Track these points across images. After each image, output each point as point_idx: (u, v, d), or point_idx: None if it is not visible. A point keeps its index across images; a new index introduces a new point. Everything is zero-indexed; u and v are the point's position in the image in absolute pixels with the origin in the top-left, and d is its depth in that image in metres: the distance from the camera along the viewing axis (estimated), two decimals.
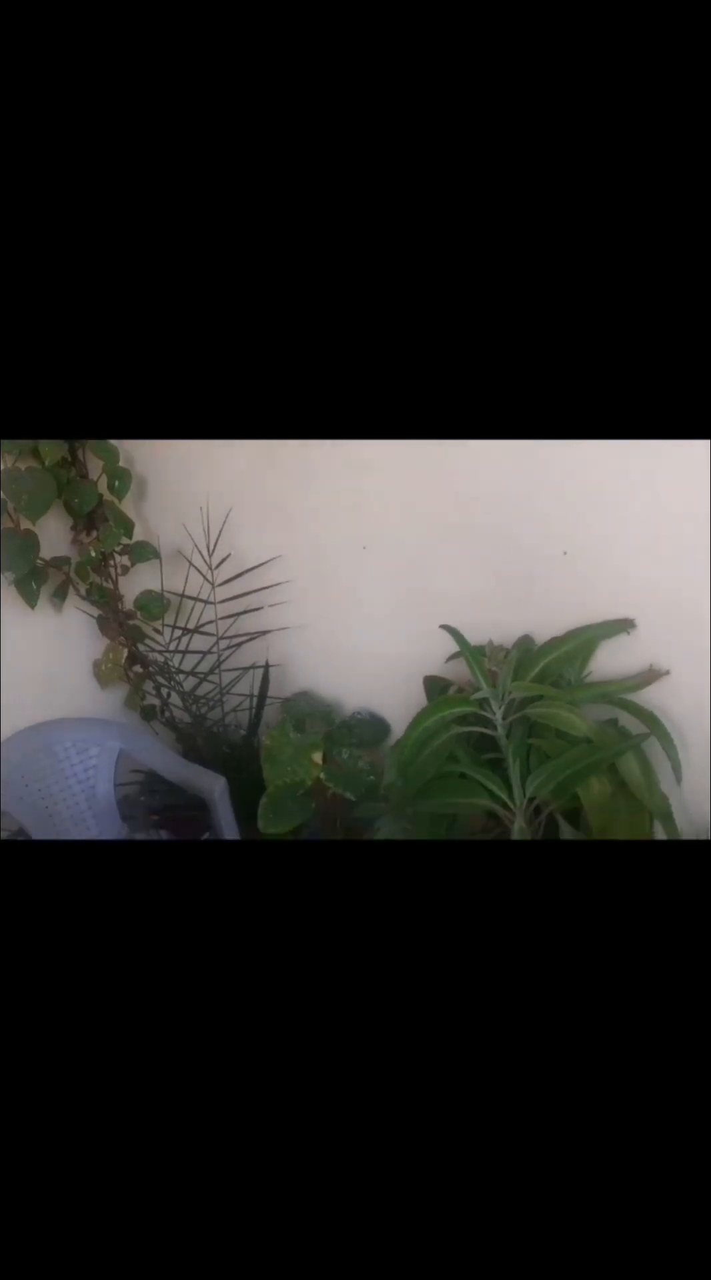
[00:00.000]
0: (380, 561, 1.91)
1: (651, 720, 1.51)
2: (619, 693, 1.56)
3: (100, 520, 1.99)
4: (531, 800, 1.51)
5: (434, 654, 1.82)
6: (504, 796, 1.51)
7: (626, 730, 1.55)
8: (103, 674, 2.11)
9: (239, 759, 2.11)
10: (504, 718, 1.55)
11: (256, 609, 2.09)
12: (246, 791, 1.92)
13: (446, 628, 1.67)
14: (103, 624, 2.11)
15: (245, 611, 2.08)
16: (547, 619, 1.66)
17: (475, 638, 1.67)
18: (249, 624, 2.10)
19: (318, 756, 1.79)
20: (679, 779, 1.49)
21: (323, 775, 1.77)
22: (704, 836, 1.49)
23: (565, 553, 1.64)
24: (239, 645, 2.11)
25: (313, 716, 1.98)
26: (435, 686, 1.76)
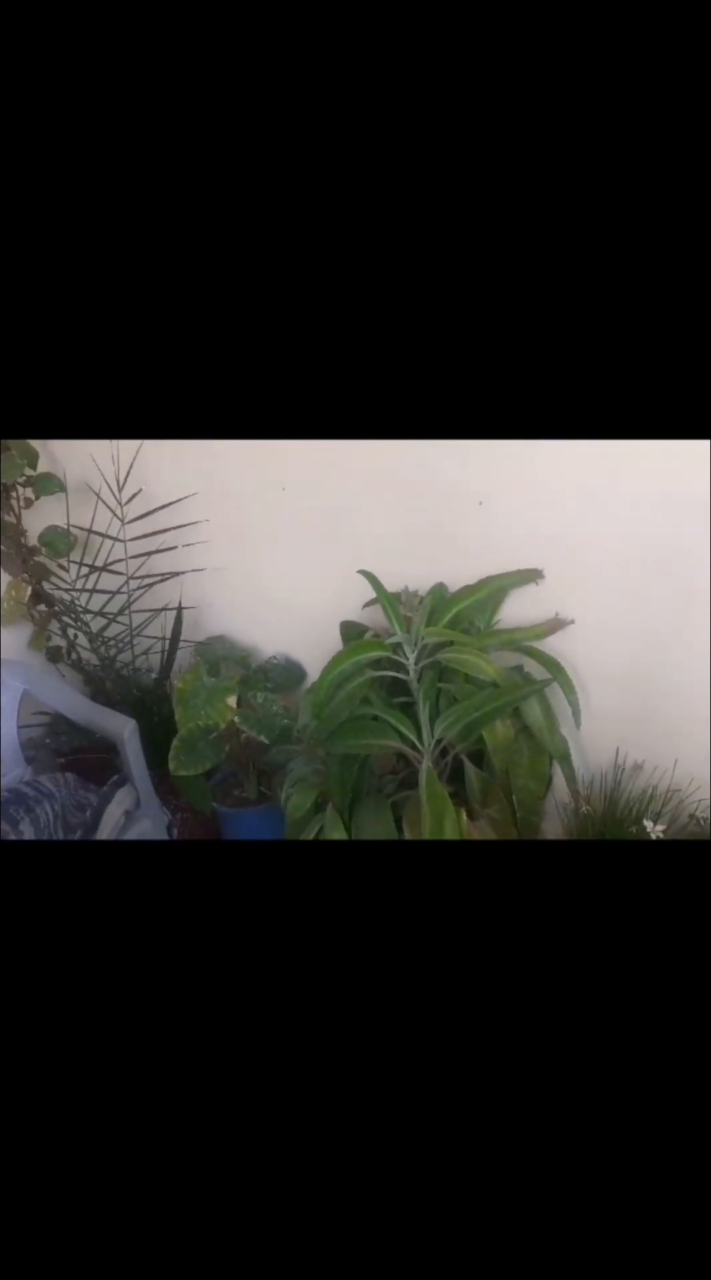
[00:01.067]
0: (299, 504, 1.88)
1: (554, 667, 1.58)
2: (525, 640, 1.62)
3: (2, 450, 1.86)
4: (439, 742, 1.56)
5: (351, 600, 1.82)
6: (413, 738, 1.55)
7: (531, 676, 1.61)
8: (5, 612, 2.00)
9: (149, 703, 2.07)
10: (416, 663, 1.59)
11: (169, 549, 2.02)
12: (157, 734, 1.89)
13: (364, 573, 1.68)
14: (4, 560, 1.99)
15: (157, 551, 2.01)
16: (461, 568, 1.69)
17: (391, 585, 1.69)
18: (161, 564, 2.04)
19: (232, 700, 1.77)
20: (578, 723, 1.58)
21: (237, 718, 1.76)
22: (599, 778, 1.59)
23: (480, 503, 1.67)
24: (150, 586, 2.05)
25: (228, 660, 1.96)
26: (351, 632, 1.77)
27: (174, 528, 2.00)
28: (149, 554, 2.01)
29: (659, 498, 1.43)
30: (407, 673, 1.59)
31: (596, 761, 1.61)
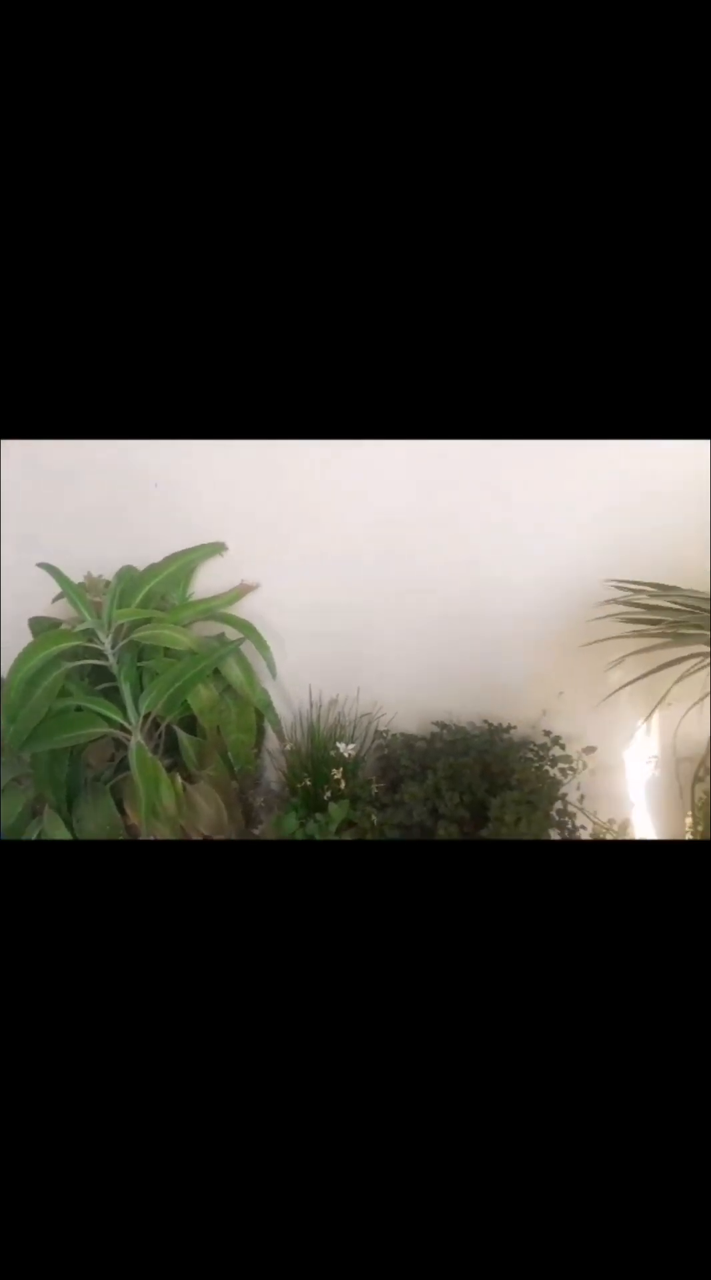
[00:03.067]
0: None
1: (247, 628, 1.72)
2: (218, 608, 1.73)
3: None
4: (147, 716, 1.61)
5: (38, 596, 1.78)
6: (120, 720, 1.59)
7: (229, 640, 1.73)
8: None
9: None
10: (113, 646, 1.62)
11: None
12: None
13: (44, 566, 1.65)
14: None
15: None
16: (146, 549, 1.74)
17: (76, 574, 1.69)
18: None
19: None
20: (273, 674, 1.74)
21: None
22: (300, 718, 1.77)
23: (156, 485, 1.73)
24: None
25: None
26: (41, 627, 1.74)
27: None
28: None
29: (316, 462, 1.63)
30: (106, 657, 1.62)
31: (298, 701, 1.79)
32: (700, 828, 1.46)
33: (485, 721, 1.73)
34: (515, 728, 1.70)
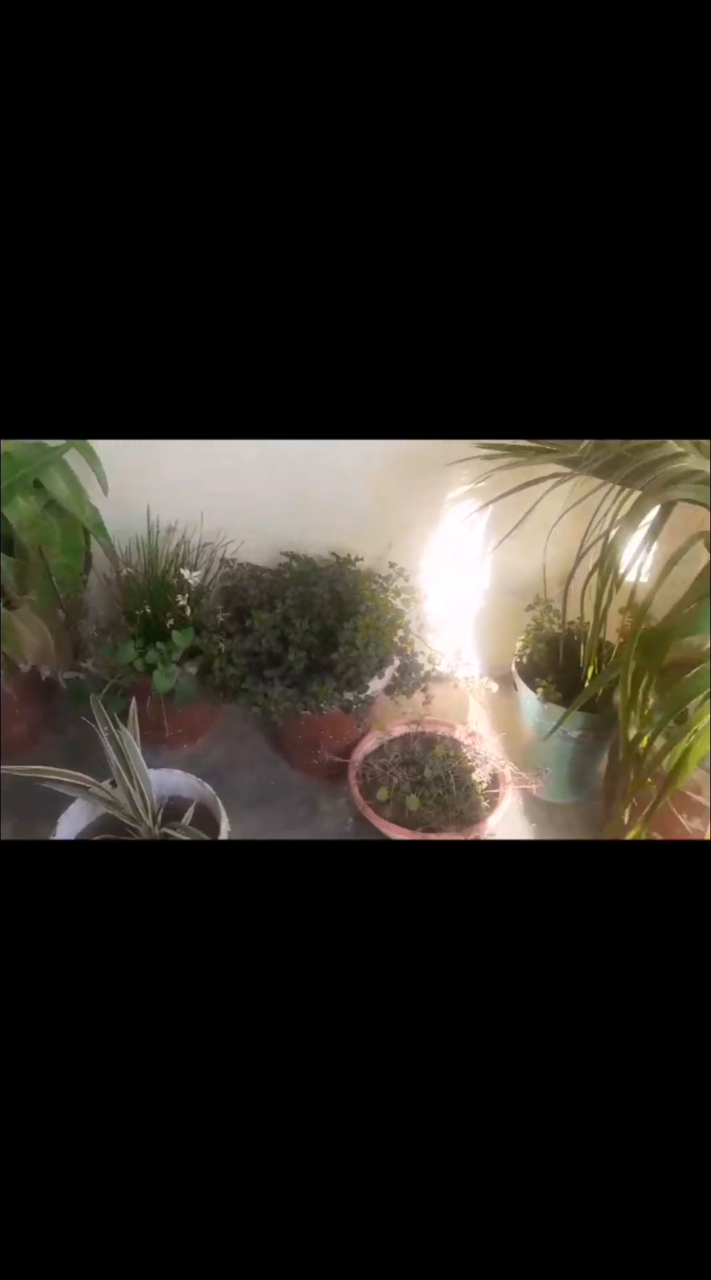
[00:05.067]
0: None
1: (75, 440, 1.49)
2: None
3: None
4: None
5: None
6: None
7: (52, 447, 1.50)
8: None
9: None
10: None
11: None
12: None
13: None
14: None
15: None
16: None
17: None
18: None
19: None
20: (105, 490, 1.55)
21: None
22: (138, 543, 1.62)
23: None
24: None
25: None
26: None
27: None
28: None
29: None
30: None
31: (132, 528, 1.63)
32: (528, 651, 1.61)
33: (333, 554, 1.71)
34: (363, 560, 1.70)
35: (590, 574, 1.21)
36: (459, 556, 1.76)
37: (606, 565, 1.09)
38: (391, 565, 1.69)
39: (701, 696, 0.97)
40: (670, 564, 1.01)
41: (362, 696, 1.51)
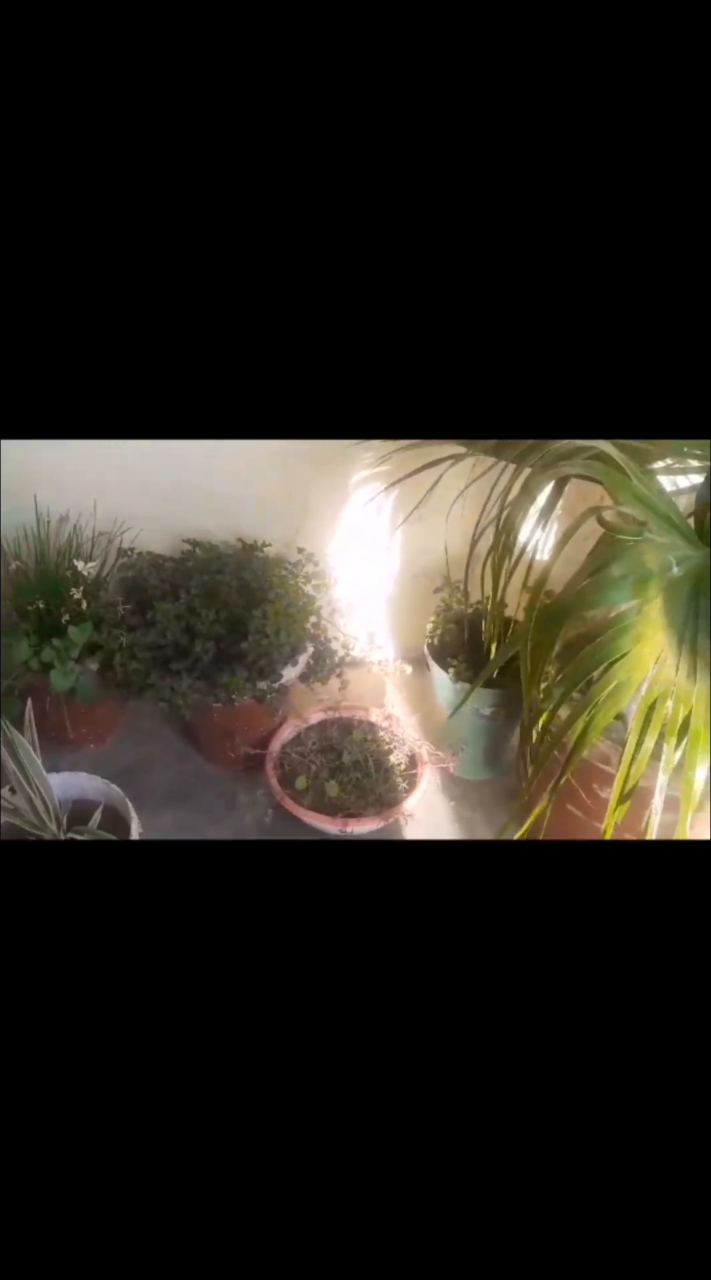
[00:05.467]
0: None
1: None
2: None
3: None
4: None
5: None
6: None
7: None
8: None
9: None
10: None
11: None
12: None
13: None
14: None
15: None
16: None
17: None
18: None
19: None
20: None
21: None
22: (27, 534, 1.52)
23: None
24: None
25: None
26: None
27: None
28: None
29: None
30: None
31: (19, 520, 1.53)
32: (438, 631, 1.62)
33: (239, 540, 1.66)
34: (270, 545, 1.66)
35: (487, 554, 1.22)
36: (366, 540, 1.75)
37: (502, 544, 1.09)
38: (300, 551, 1.66)
39: (601, 668, 0.99)
40: (565, 539, 1.03)
41: (276, 685, 1.47)
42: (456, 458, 1.30)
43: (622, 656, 0.95)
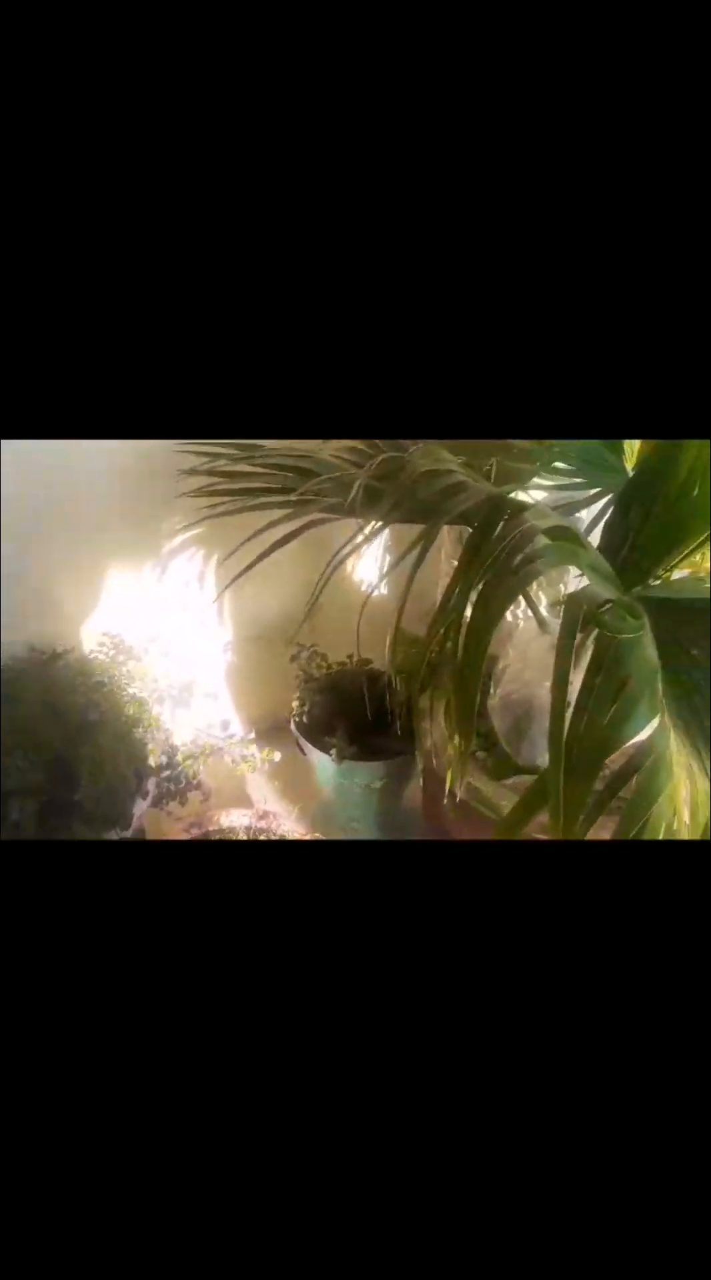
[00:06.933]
0: None
1: None
2: None
3: None
4: None
5: None
6: None
7: None
8: None
9: None
10: None
11: None
12: None
13: None
14: None
15: None
16: None
17: None
18: None
19: None
20: None
21: None
22: None
23: None
24: None
25: None
26: None
27: None
28: None
29: None
30: None
31: None
32: (305, 707, 1.40)
33: (33, 649, 1.29)
34: (72, 650, 1.32)
35: (361, 607, 1.03)
36: (186, 612, 1.47)
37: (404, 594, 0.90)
38: (105, 635, 1.34)
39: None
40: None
41: (127, 833, 1.16)
42: (272, 524, 1.09)
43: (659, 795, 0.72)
